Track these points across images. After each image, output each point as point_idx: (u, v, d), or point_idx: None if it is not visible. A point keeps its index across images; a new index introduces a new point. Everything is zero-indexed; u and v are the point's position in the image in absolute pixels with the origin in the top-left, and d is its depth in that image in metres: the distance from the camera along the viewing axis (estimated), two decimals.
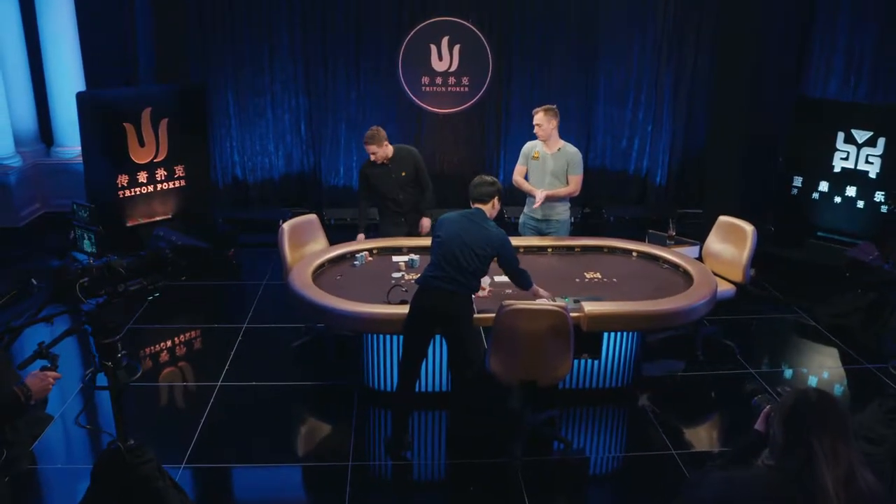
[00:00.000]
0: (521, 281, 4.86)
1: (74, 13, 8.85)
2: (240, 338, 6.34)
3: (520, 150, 6.52)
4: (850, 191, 7.82)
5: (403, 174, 6.44)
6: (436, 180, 7.02)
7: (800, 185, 8.18)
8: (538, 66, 9.42)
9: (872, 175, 7.65)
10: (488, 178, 4.87)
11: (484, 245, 4.61)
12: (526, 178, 6.42)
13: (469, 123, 9.54)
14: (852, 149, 7.75)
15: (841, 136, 7.81)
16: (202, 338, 6.60)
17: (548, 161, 6.27)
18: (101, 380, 3.31)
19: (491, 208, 4.80)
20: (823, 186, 8.00)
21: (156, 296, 3.38)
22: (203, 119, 8.41)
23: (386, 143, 6.34)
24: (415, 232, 6.60)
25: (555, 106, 6.29)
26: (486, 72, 9.31)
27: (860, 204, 7.77)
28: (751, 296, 6.80)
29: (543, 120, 6.15)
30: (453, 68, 9.30)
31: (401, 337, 4.94)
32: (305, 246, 6.09)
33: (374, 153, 6.29)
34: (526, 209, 6.54)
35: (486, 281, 5.22)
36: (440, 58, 9.26)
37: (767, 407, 2.66)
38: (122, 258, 3.29)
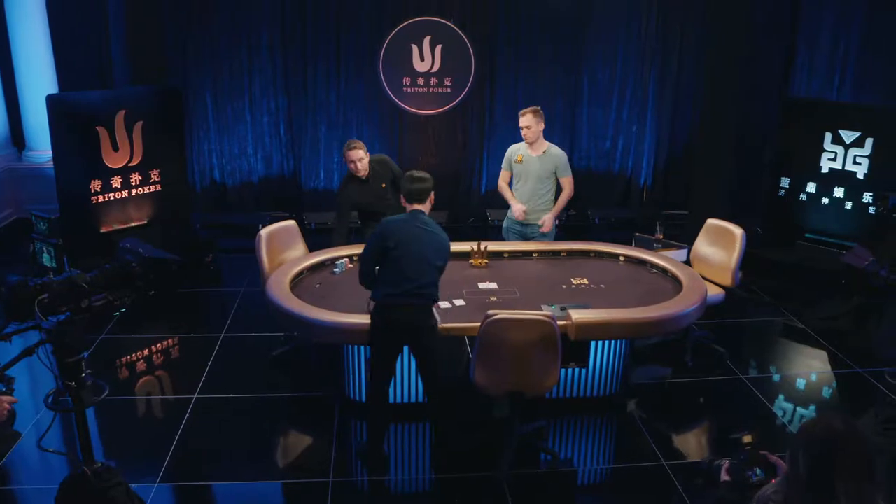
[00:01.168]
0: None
1: (46, 13, 8.63)
2: (217, 347, 6.16)
3: (502, 151, 6.40)
4: (838, 192, 7.74)
5: (384, 185, 6.26)
6: None
7: (787, 187, 8.09)
8: (522, 67, 9.29)
9: (860, 176, 7.57)
10: (420, 174, 4.59)
11: (442, 254, 4.47)
12: (511, 182, 6.29)
13: (451, 125, 9.41)
14: (840, 149, 7.67)
15: (828, 136, 7.72)
16: (178, 348, 6.40)
17: (533, 164, 6.15)
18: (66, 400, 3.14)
19: (428, 204, 4.59)
20: (811, 187, 7.92)
21: (122, 311, 3.20)
22: (179, 121, 8.20)
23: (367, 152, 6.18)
24: None
25: (539, 107, 6.17)
26: (468, 72, 9.17)
27: (848, 205, 7.69)
28: (740, 299, 6.70)
29: (533, 122, 6.02)
30: (435, 69, 9.15)
31: None
32: (284, 253, 5.92)
33: (360, 159, 6.04)
34: (509, 213, 6.40)
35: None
36: (422, 58, 9.11)
37: (726, 462, 2.63)
38: (86, 272, 3.10)
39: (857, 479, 2.06)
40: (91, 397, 3.13)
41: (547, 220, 6.17)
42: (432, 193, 4.59)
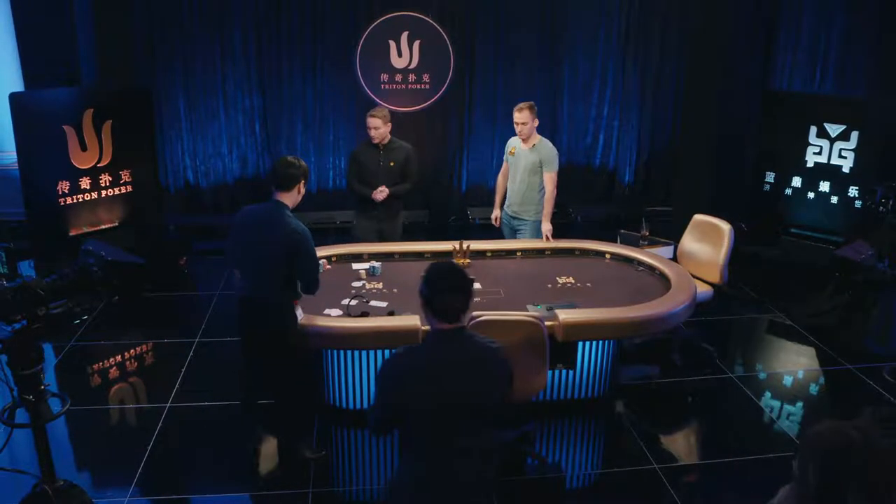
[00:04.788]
0: (311, 290, 4.40)
1: (10, 8, 8.35)
2: (191, 353, 5.95)
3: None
4: (824, 186, 7.65)
5: (392, 164, 6.25)
6: None
7: (772, 181, 8.01)
8: (501, 62, 9.13)
9: (846, 170, 7.49)
10: (291, 159, 4.32)
11: (284, 248, 4.13)
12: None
13: (430, 122, 9.21)
14: (825, 143, 7.59)
15: (813, 130, 7.64)
16: (150, 354, 6.17)
17: (523, 157, 6.16)
18: (23, 415, 2.93)
19: (296, 195, 4.30)
20: (796, 182, 7.83)
21: (84, 318, 3.00)
22: (150, 120, 7.97)
23: (389, 124, 6.22)
24: (388, 234, 6.38)
25: (534, 103, 6.17)
26: (447, 68, 9.00)
27: (834, 199, 7.61)
28: (727, 296, 6.59)
29: (528, 118, 6.03)
30: (413, 65, 8.97)
31: (363, 352, 4.66)
32: None
33: (376, 127, 6.13)
34: (505, 207, 6.44)
35: None
36: (399, 54, 8.92)
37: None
38: (44, 277, 2.89)
39: (873, 495, 1.91)
40: (50, 411, 2.92)
41: (544, 231, 6.13)
42: (301, 182, 4.28)
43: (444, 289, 2.74)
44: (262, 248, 4.16)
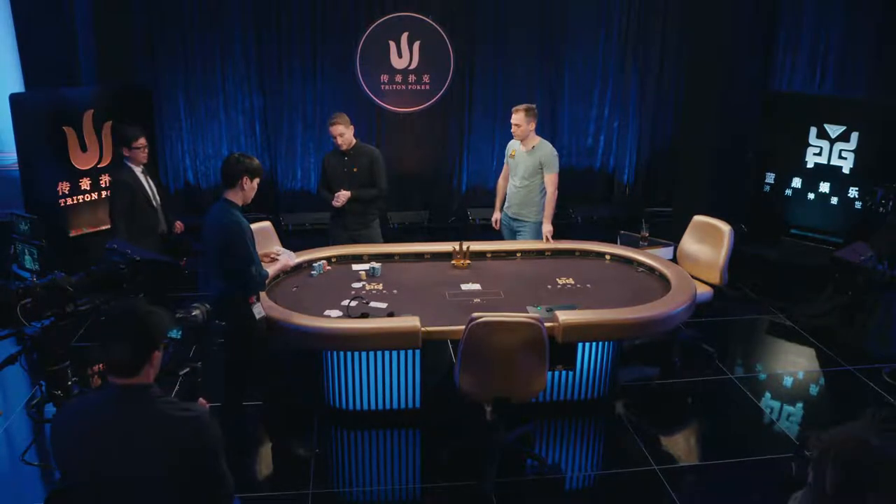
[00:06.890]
0: (253, 286, 4.36)
1: (10, 9, 8.35)
2: (190, 354, 5.92)
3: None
4: (824, 187, 7.65)
5: (355, 170, 6.14)
6: (397, 182, 6.70)
7: (772, 182, 8.01)
8: (501, 63, 9.14)
9: (846, 171, 7.49)
10: (236, 156, 4.34)
11: (219, 241, 4.20)
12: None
13: (431, 123, 9.23)
14: (825, 144, 7.59)
15: (814, 130, 7.64)
16: None
17: (522, 159, 6.17)
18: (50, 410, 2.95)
19: (240, 191, 4.30)
20: (796, 183, 7.83)
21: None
22: (150, 121, 7.97)
23: (352, 127, 6.11)
24: (360, 242, 6.21)
25: (534, 105, 6.18)
26: (447, 69, 9.00)
27: (834, 200, 7.61)
28: (727, 297, 6.60)
29: (523, 120, 6.03)
30: (413, 66, 8.97)
31: (363, 353, 4.67)
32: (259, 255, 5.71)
33: (341, 134, 6.02)
34: (505, 209, 6.46)
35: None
36: (399, 55, 8.92)
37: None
38: (71, 275, 2.91)
39: (890, 496, 1.90)
40: None
41: (545, 232, 6.12)
42: (244, 178, 4.28)
43: (111, 337, 2.25)
44: (207, 244, 4.29)
